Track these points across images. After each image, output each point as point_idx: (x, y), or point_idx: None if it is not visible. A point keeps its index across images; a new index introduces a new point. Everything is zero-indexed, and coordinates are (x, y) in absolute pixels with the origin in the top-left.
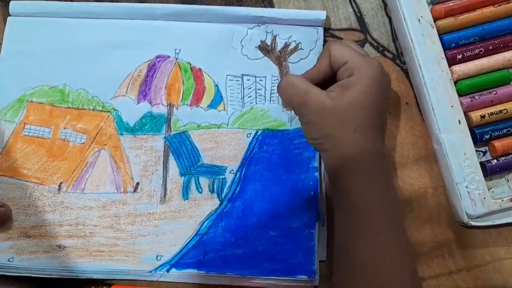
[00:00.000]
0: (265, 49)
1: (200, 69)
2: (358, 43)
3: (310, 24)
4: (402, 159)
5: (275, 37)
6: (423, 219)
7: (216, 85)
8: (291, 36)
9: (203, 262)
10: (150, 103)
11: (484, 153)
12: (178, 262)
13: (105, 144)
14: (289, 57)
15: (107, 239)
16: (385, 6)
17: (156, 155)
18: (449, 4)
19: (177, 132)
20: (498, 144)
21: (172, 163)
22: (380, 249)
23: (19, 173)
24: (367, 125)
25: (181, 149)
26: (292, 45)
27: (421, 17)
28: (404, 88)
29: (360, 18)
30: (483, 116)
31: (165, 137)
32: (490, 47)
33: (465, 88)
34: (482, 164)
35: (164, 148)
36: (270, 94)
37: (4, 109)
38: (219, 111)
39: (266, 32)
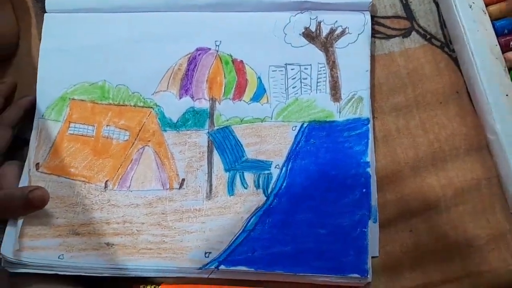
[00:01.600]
0: (310, 35)
1: (241, 61)
2: (404, 31)
3: (356, 8)
4: (454, 150)
5: (319, 23)
6: (478, 211)
7: (259, 77)
8: (336, 21)
9: (252, 259)
10: (192, 97)
11: None
12: (227, 259)
13: (149, 141)
14: (336, 42)
15: (155, 236)
16: None
17: (200, 151)
18: None
19: (220, 127)
20: None
21: (217, 158)
22: None
23: (67, 172)
24: None
25: (224, 144)
26: (339, 30)
27: (473, 3)
28: (454, 77)
29: (406, 5)
30: None
31: (208, 132)
32: None
33: None
34: None
35: (208, 144)
36: (317, 83)
37: (48, 108)
38: (262, 104)
39: (310, 18)
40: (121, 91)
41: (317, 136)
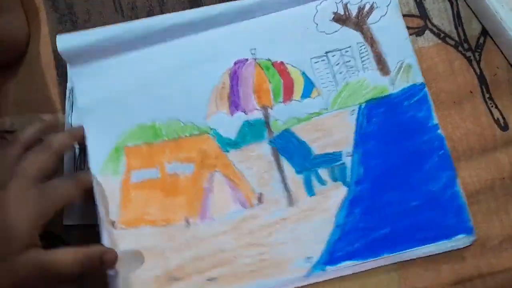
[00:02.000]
0: (341, 19)
1: (282, 62)
2: (417, 29)
3: None
4: (468, 150)
5: (346, 4)
6: (491, 211)
7: (303, 73)
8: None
9: (354, 251)
10: (243, 111)
11: None
12: (330, 258)
13: (215, 166)
14: (367, 19)
15: (251, 258)
16: None
17: (267, 161)
18: None
19: (280, 132)
20: None
21: (285, 164)
22: None
23: (145, 220)
24: None
25: (289, 147)
26: (367, 7)
27: None
28: (468, 76)
29: (419, 3)
30: None
31: (269, 141)
32: None
33: None
34: None
35: (272, 152)
36: (361, 62)
37: (104, 163)
38: (314, 98)
39: (336, 3)
40: (172, 125)
41: (378, 114)
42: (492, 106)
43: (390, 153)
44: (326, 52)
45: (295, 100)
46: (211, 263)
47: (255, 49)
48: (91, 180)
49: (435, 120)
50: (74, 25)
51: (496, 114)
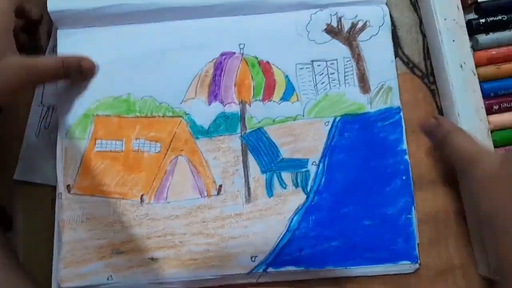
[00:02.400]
0: (332, 31)
1: (267, 62)
2: None
3: (373, 2)
4: (418, 179)
5: (340, 18)
6: (432, 242)
7: (287, 76)
8: (356, 15)
9: (300, 258)
10: (221, 103)
11: None
12: (274, 260)
13: (182, 150)
14: (358, 36)
15: (198, 246)
16: (420, 23)
17: (235, 155)
18: (492, 52)
19: (253, 129)
20: None
21: (252, 161)
22: None
23: (100, 191)
24: None
25: (259, 146)
26: (360, 24)
27: (464, 63)
28: (429, 109)
29: (393, 30)
30: None
31: (241, 136)
32: None
33: (499, 139)
34: None
35: (242, 147)
36: (344, 77)
37: (72, 128)
38: (292, 103)
39: (330, 15)
40: (147, 103)
41: (351, 129)
42: None
43: (355, 169)
44: (312, 61)
45: (273, 101)
46: (157, 244)
47: (244, 44)
48: (77, 59)
49: (405, 145)
50: None
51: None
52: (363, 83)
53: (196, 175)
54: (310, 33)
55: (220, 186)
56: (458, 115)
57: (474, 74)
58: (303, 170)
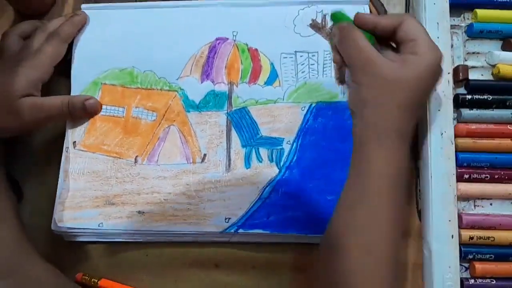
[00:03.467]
0: (316, 26)
1: (256, 49)
2: None
3: (356, 2)
4: None
5: (325, 15)
6: None
7: (272, 63)
8: None
9: (268, 223)
10: (212, 82)
11: (466, 268)
12: (245, 223)
13: (174, 121)
14: None
15: (180, 204)
16: None
17: (220, 129)
18: (472, 127)
19: (238, 108)
20: (479, 266)
21: (234, 136)
22: (382, 217)
23: (101, 149)
24: (411, 105)
25: (241, 123)
26: None
27: (444, 131)
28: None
29: None
30: (471, 238)
31: (227, 112)
32: (496, 176)
33: None
34: (461, 280)
35: (227, 123)
36: (323, 68)
37: (82, 92)
38: (275, 87)
39: (316, 11)
40: (148, 76)
41: (324, 115)
42: (420, 198)
43: (324, 150)
44: (296, 51)
45: (258, 84)
46: (145, 200)
47: (237, 32)
48: (82, 99)
49: None
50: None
51: (420, 206)
52: (339, 75)
53: (184, 144)
54: (296, 26)
55: (205, 155)
56: (431, 176)
57: (452, 144)
58: (278, 147)
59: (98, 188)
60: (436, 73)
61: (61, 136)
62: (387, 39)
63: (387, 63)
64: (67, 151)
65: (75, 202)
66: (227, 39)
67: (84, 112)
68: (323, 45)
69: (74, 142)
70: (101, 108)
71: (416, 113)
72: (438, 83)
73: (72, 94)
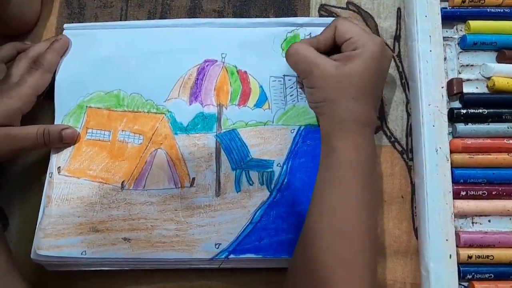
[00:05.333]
0: None
1: (245, 72)
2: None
3: None
4: (382, 248)
5: None
6: None
7: (261, 86)
8: None
9: (259, 247)
10: (201, 104)
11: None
12: (236, 248)
13: (161, 144)
14: None
15: (168, 230)
16: (407, 102)
17: (209, 152)
18: (468, 142)
19: (227, 130)
20: (478, 286)
21: (224, 158)
22: (350, 197)
23: (86, 174)
24: (365, 95)
25: (231, 145)
26: None
27: (440, 148)
28: (404, 182)
29: (381, 105)
30: (470, 257)
31: (216, 135)
32: (494, 192)
33: None
34: None
35: (216, 145)
36: None
37: (66, 116)
38: (264, 110)
39: (304, 34)
40: (135, 99)
41: (313, 138)
42: (416, 215)
43: (313, 172)
44: (284, 75)
45: (248, 106)
46: (131, 226)
47: (226, 54)
48: (59, 129)
49: None
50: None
51: (417, 223)
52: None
53: (172, 167)
54: (284, 51)
55: (193, 178)
56: (427, 194)
57: (448, 160)
58: (269, 170)
59: (82, 214)
60: (382, 59)
61: (48, 160)
62: (336, 49)
63: (329, 62)
64: (50, 176)
65: (57, 229)
66: (216, 61)
67: (61, 142)
68: None
69: (59, 167)
70: (79, 138)
71: (373, 101)
72: (388, 66)
73: (56, 117)
